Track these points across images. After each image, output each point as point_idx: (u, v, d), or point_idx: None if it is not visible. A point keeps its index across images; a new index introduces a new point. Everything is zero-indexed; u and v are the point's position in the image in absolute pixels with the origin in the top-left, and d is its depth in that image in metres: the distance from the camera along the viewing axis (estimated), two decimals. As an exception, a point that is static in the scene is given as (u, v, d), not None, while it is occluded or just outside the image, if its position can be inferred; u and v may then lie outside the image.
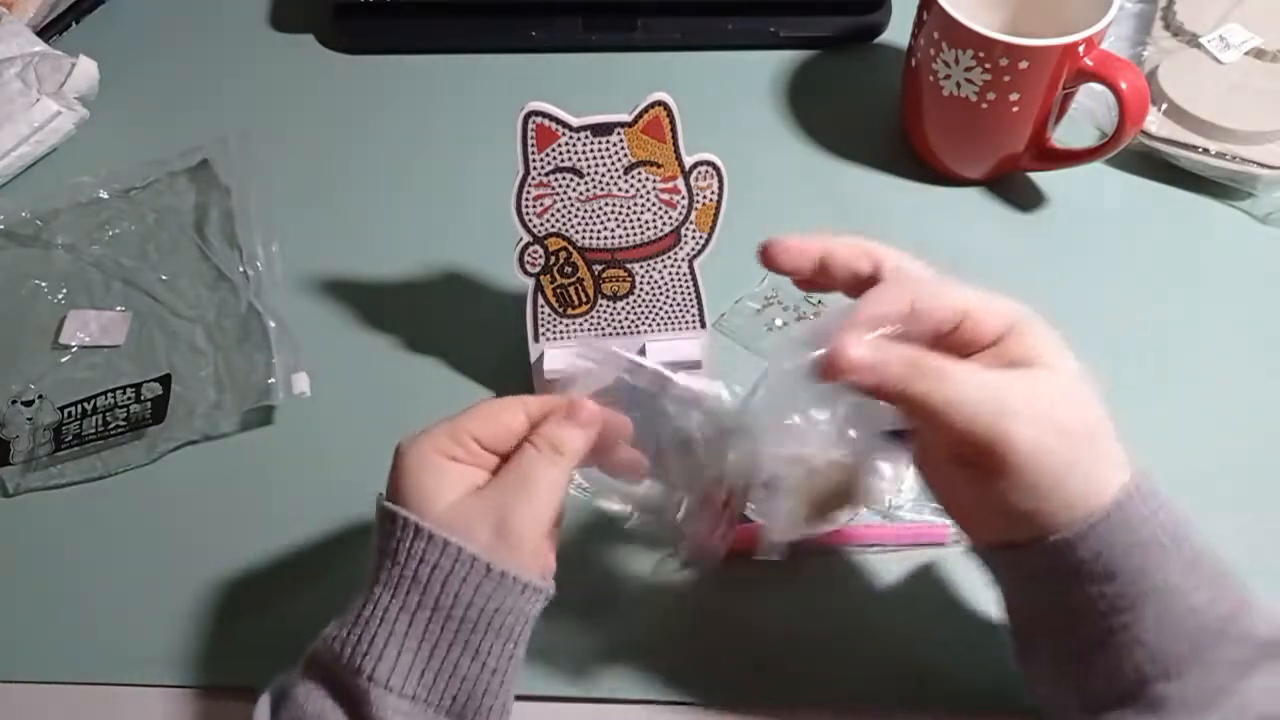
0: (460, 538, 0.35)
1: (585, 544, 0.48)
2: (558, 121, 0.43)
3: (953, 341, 0.34)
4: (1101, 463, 0.34)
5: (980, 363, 0.34)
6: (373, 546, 0.37)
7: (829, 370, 0.33)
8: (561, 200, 0.45)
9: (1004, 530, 0.35)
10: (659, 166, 0.44)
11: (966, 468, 0.34)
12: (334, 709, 0.35)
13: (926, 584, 0.46)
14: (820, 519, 0.40)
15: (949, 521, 0.46)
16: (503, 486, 0.37)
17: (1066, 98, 0.56)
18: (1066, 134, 0.60)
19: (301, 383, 0.51)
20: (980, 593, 0.46)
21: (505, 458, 0.38)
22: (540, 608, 0.38)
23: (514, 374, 0.52)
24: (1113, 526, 0.32)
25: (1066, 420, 0.33)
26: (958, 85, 0.55)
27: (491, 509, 0.36)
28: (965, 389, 0.33)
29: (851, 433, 0.37)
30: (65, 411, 0.52)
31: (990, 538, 0.36)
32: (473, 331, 0.54)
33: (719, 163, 0.45)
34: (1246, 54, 0.62)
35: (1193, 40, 0.63)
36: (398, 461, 0.38)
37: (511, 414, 0.38)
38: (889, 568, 0.47)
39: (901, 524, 0.47)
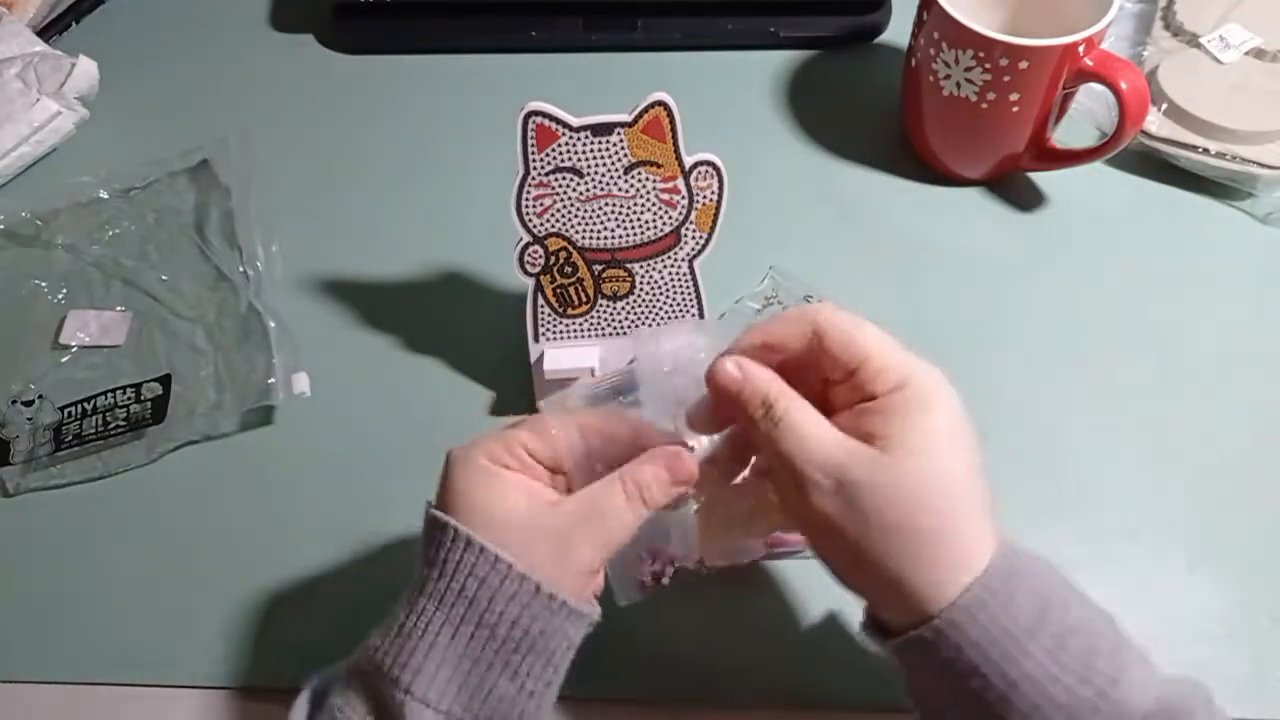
0: (515, 555, 0.34)
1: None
2: (558, 121, 0.43)
3: (850, 384, 0.34)
4: (947, 564, 0.32)
5: (858, 414, 0.34)
6: (418, 555, 0.36)
7: (707, 379, 0.36)
8: (561, 200, 0.45)
9: (881, 607, 0.34)
10: (659, 166, 0.44)
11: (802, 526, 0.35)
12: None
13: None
14: (729, 542, 0.40)
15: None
16: (576, 515, 0.36)
17: (1066, 98, 0.56)
18: (1066, 134, 0.60)
19: (301, 383, 0.51)
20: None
21: (555, 471, 0.37)
22: (584, 634, 0.37)
23: (514, 374, 0.52)
24: (967, 625, 0.31)
25: (909, 515, 0.32)
26: (958, 85, 0.55)
27: (559, 534, 0.35)
28: (811, 451, 0.33)
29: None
30: (65, 411, 0.52)
31: (873, 611, 0.36)
32: (473, 331, 0.54)
33: (719, 163, 0.45)
34: (1246, 54, 0.62)
35: (1193, 40, 0.63)
36: (447, 469, 0.37)
37: (565, 434, 0.37)
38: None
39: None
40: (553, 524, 0.35)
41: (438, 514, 0.36)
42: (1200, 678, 0.33)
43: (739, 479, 0.39)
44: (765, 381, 0.35)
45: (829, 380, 0.35)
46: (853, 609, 0.45)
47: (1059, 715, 0.31)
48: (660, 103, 0.43)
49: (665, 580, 0.41)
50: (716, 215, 0.46)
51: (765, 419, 0.34)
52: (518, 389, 0.52)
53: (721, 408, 0.36)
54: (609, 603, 0.46)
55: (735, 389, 0.35)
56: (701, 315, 0.50)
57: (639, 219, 0.46)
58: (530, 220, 0.46)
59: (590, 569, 0.36)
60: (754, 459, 0.39)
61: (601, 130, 0.43)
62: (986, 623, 0.32)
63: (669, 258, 0.48)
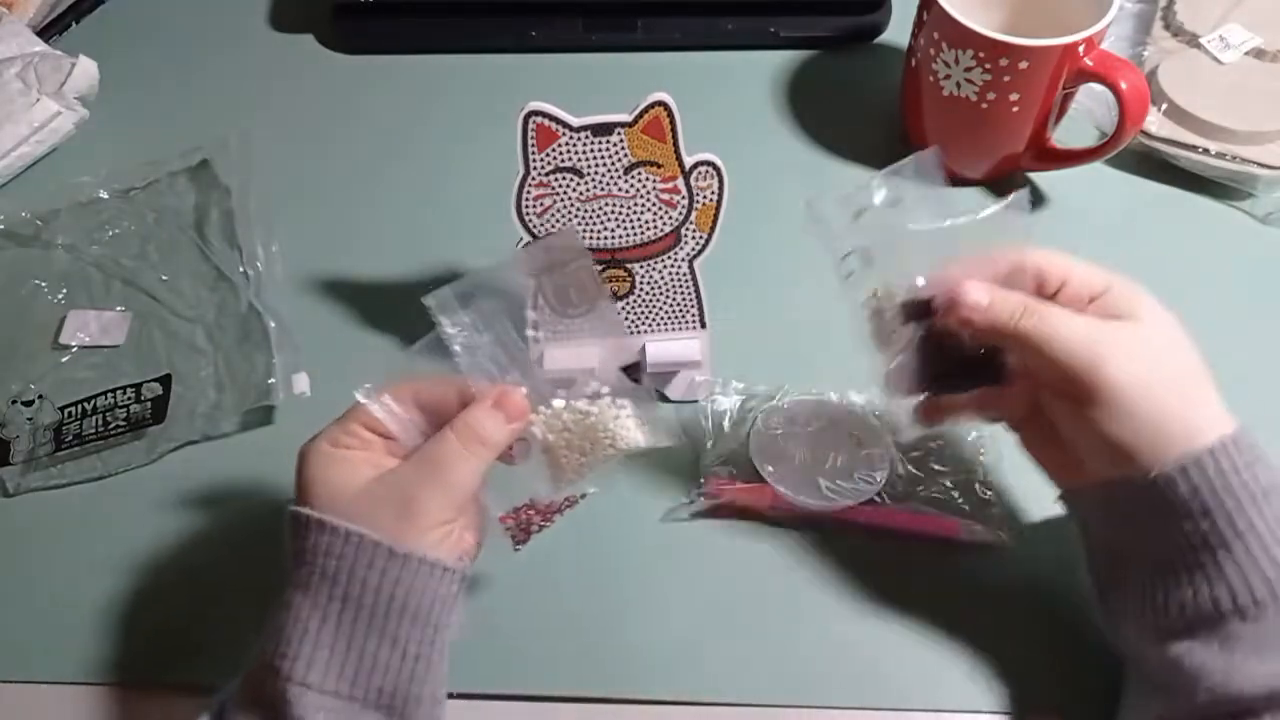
0: (363, 525, 0.35)
1: (584, 536, 0.48)
2: (558, 121, 0.43)
3: (1057, 300, 0.39)
4: (1200, 407, 0.37)
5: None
6: (286, 555, 0.37)
7: (950, 309, 0.38)
8: (562, 200, 0.45)
9: (1102, 468, 0.38)
10: (659, 166, 0.44)
11: (1066, 401, 0.38)
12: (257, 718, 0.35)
13: (936, 581, 0.46)
14: (575, 471, 0.41)
15: (958, 517, 0.47)
16: (412, 469, 0.37)
17: (1066, 98, 0.56)
18: (1066, 134, 0.60)
19: (302, 383, 0.51)
20: (987, 595, 0.46)
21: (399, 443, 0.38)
22: (457, 588, 0.37)
23: (514, 374, 0.52)
24: (1211, 469, 0.35)
25: (1162, 365, 0.37)
26: (958, 85, 0.55)
27: (397, 492, 0.36)
28: (1063, 326, 0.37)
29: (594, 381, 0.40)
30: (65, 411, 0.52)
31: (1087, 478, 0.39)
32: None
33: (719, 163, 0.45)
34: (1246, 54, 0.62)
35: (1193, 40, 0.63)
36: (299, 463, 0.38)
37: (398, 406, 0.38)
38: (891, 560, 0.47)
39: (914, 512, 0.47)
40: (393, 485, 0.36)
41: (292, 508, 0.37)
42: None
43: (568, 412, 0.40)
44: (1004, 292, 0.38)
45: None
46: (855, 608, 0.46)
47: (1267, 576, 0.35)
48: (660, 103, 0.43)
49: (530, 535, 0.42)
50: (716, 215, 0.46)
51: (1025, 315, 0.37)
52: (518, 389, 0.52)
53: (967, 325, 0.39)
54: (609, 604, 0.46)
55: (985, 305, 0.38)
56: (701, 316, 0.50)
57: (639, 219, 0.46)
58: (531, 220, 0.46)
59: (440, 520, 0.36)
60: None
61: (602, 130, 0.43)
62: (1234, 471, 0.35)
63: (669, 258, 0.48)
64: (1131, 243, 0.58)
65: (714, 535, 0.48)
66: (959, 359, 0.41)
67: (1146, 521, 0.37)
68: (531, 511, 0.42)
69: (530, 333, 0.45)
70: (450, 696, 0.39)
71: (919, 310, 0.40)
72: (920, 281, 0.40)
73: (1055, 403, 0.39)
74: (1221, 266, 0.57)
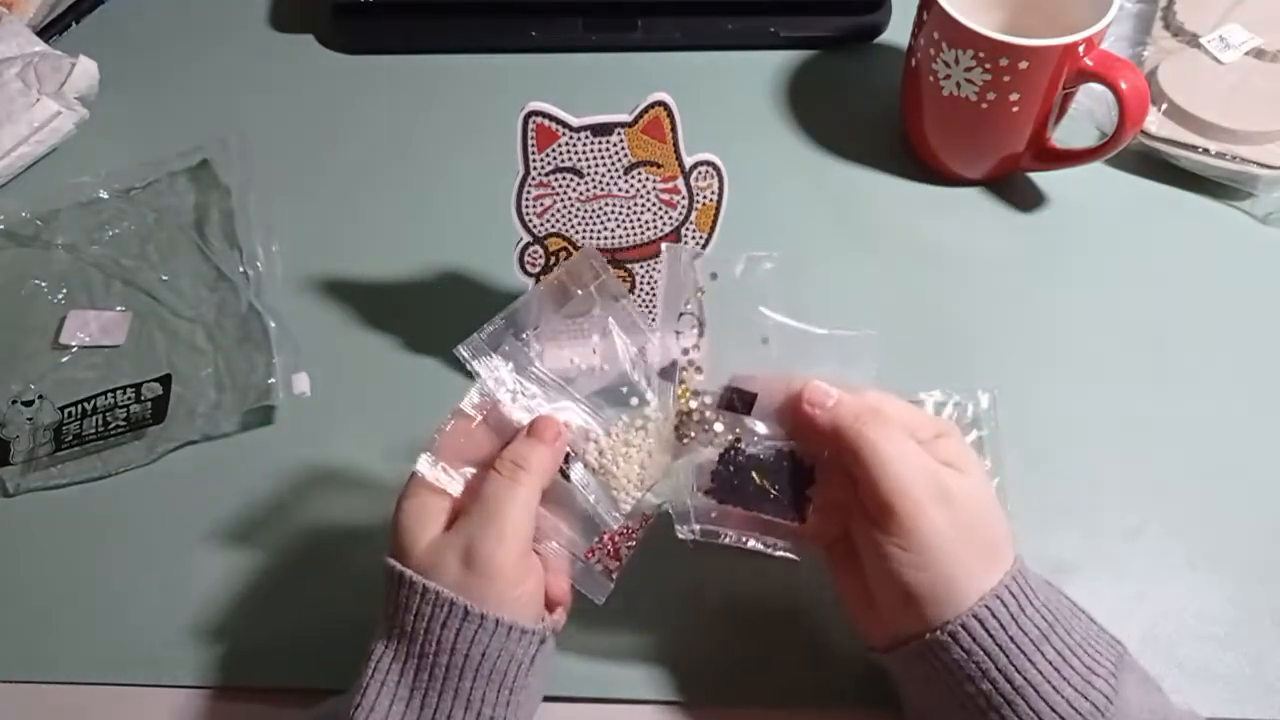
0: (434, 577, 0.36)
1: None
2: (558, 121, 0.43)
3: None
4: (989, 571, 0.35)
5: None
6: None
7: (787, 406, 0.38)
8: (562, 200, 0.45)
9: (890, 610, 0.36)
10: (659, 166, 0.44)
11: (872, 531, 0.36)
12: None
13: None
14: (634, 484, 0.40)
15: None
16: (468, 516, 0.37)
17: (1066, 98, 0.56)
18: (1066, 134, 0.60)
19: (302, 383, 0.51)
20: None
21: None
22: (535, 650, 0.37)
23: (514, 374, 0.52)
24: (980, 629, 0.34)
25: (975, 528, 0.36)
26: (958, 85, 0.55)
27: (459, 540, 0.36)
28: (905, 450, 0.36)
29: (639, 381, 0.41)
30: (65, 411, 0.52)
31: (884, 631, 0.37)
32: (473, 331, 0.54)
33: (719, 163, 0.45)
34: (1246, 54, 0.62)
35: (1193, 40, 0.63)
36: (394, 513, 0.38)
37: (481, 433, 0.39)
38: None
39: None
40: (456, 536, 0.36)
41: (385, 559, 0.37)
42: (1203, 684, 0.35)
43: (616, 430, 0.40)
44: (858, 397, 0.37)
45: None
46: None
47: None
48: (660, 103, 0.43)
49: (622, 558, 0.41)
50: (716, 215, 0.46)
51: (874, 423, 0.36)
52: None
53: (801, 431, 0.38)
54: (609, 605, 0.46)
55: (831, 401, 0.37)
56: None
57: (639, 219, 0.46)
58: (530, 220, 0.46)
59: (505, 568, 0.36)
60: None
61: (601, 130, 0.43)
62: (1004, 625, 0.34)
63: (669, 258, 0.48)
64: (1131, 243, 0.58)
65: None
66: (763, 473, 0.39)
67: (941, 685, 0.36)
68: (613, 537, 0.41)
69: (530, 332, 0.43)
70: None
71: (738, 404, 0.39)
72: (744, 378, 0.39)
73: (862, 530, 0.37)
74: (1221, 266, 0.57)
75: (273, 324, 0.54)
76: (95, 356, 0.54)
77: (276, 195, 0.60)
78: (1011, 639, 0.34)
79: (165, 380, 0.53)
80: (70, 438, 0.51)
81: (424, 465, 0.38)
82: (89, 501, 0.50)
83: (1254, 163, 0.58)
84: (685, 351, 0.40)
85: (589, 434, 0.40)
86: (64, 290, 0.57)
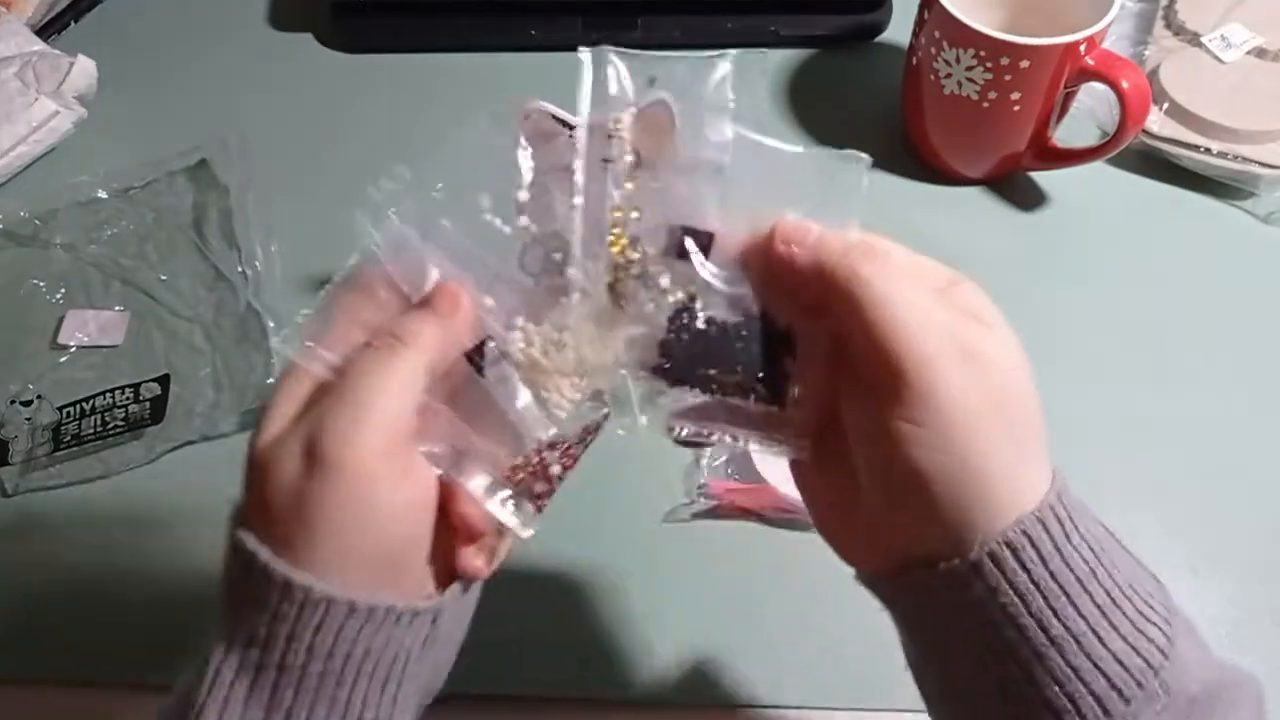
0: (267, 480, 0.27)
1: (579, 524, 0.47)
2: (557, 120, 0.43)
3: None
4: (1023, 463, 0.27)
5: None
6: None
7: (758, 245, 0.29)
8: (561, 200, 0.45)
9: (894, 528, 0.28)
10: (659, 166, 0.44)
11: (872, 401, 0.27)
12: None
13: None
14: (573, 389, 0.31)
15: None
16: (321, 401, 0.28)
17: (1068, 97, 0.56)
18: (1068, 133, 0.60)
19: (301, 383, 0.51)
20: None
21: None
22: (426, 632, 0.29)
23: (513, 374, 0.52)
24: (1013, 560, 0.26)
25: (1007, 397, 0.27)
26: (959, 84, 0.55)
27: (303, 427, 0.27)
28: (911, 291, 0.27)
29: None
30: (64, 412, 0.52)
31: (879, 545, 0.29)
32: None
33: (719, 162, 0.45)
34: (1248, 53, 0.62)
35: (1194, 39, 0.63)
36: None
37: (343, 341, 0.29)
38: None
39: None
40: (297, 427, 0.28)
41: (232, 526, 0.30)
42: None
43: (547, 311, 0.31)
44: (846, 238, 0.28)
45: None
46: (855, 609, 0.45)
47: (1097, 685, 0.26)
48: (660, 101, 0.42)
49: (555, 481, 0.31)
50: (717, 215, 0.46)
51: (867, 258, 0.27)
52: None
53: (775, 276, 0.29)
54: (609, 605, 0.46)
55: (813, 235, 0.28)
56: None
57: (639, 219, 0.46)
58: (530, 220, 0.46)
59: (362, 463, 0.27)
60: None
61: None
62: (1038, 561, 0.26)
63: (669, 257, 0.48)
64: (1133, 242, 0.58)
65: (714, 535, 0.48)
66: (727, 341, 0.30)
67: (947, 622, 0.28)
68: (541, 455, 0.31)
69: (522, 222, 0.31)
70: (447, 698, 0.38)
71: (690, 248, 0.29)
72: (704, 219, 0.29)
73: (855, 407, 0.28)
74: (1223, 266, 0.57)
75: (271, 324, 0.54)
76: (94, 356, 0.54)
77: (275, 194, 0.60)
78: (1053, 575, 0.26)
79: (164, 380, 0.53)
80: (69, 438, 0.51)
81: (289, 337, 0.30)
82: (87, 501, 0.50)
83: (1255, 162, 0.58)
84: (619, 187, 0.30)
85: (514, 317, 0.31)
86: (62, 290, 0.57)
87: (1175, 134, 0.59)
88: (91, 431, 0.51)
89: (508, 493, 0.30)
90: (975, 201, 0.60)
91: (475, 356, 0.30)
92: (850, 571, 0.45)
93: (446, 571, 0.30)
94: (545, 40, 0.68)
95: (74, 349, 0.54)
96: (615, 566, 0.47)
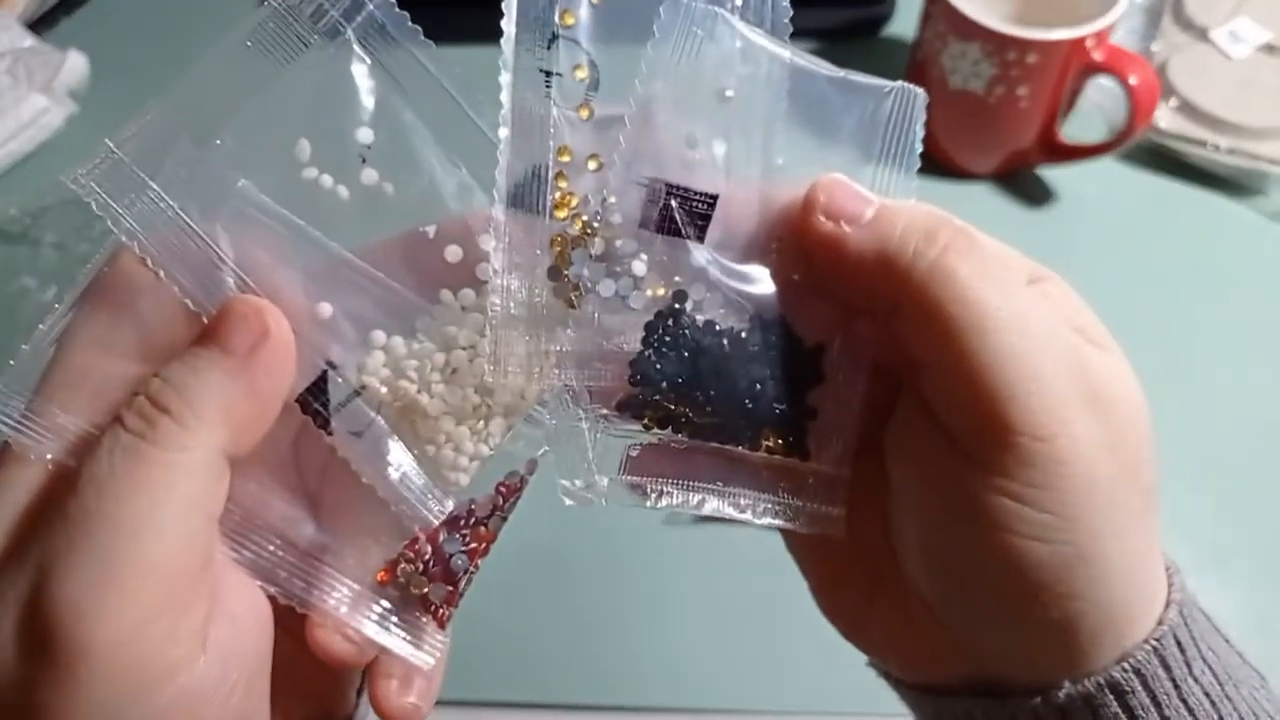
0: None
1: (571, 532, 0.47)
2: (559, 115, 0.42)
3: None
4: (1155, 549, 0.21)
5: None
6: None
7: (814, 216, 0.20)
8: (563, 196, 0.44)
9: (968, 639, 0.21)
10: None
11: (956, 461, 0.19)
12: None
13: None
14: (475, 430, 0.21)
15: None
16: (39, 537, 0.17)
17: (1075, 92, 0.56)
18: (1075, 129, 0.59)
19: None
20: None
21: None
22: None
23: (514, 374, 0.51)
24: (1145, 686, 0.20)
25: (1141, 455, 0.20)
26: (965, 79, 0.54)
27: (14, 595, 0.17)
28: (1030, 307, 0.19)
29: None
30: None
31: (939, 658, 0.22)
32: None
33: (724, 157, 0.44)
34: (1257, 49, 0.61)
35: (1203, 35, 0.62)
36: None
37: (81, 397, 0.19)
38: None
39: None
40: (12, 576, 0.17)
41: None
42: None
43: (425, 323, 0.20)
44: (917, 205, 0.21)
45: None
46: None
47: None
48: (664, 96, 0.41)
49: (458, 580, 0.21)
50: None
51: (947, 252, 0.20)
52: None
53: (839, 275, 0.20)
54: (611, 608, 0.45)
55: (869, 211, 0.20)
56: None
57: (642, 215, 0.45)
58: (530, 216, 0.45)
59: (120, 635, 0.16)
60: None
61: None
62: (1168, 688, 0.20)
63: (672, 255, 0.47)
64: (1141, 239, 0.58)
65: (716, 537, 0.47)
66: (730, 359, 0.20)
67: None
68: (435, 544, 0.21)
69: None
70: (449, 704, 0.38)
71: (679, 217, 0.20)
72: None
73: (920, 468, 0.20)
74: (1231, 263, 0.57)
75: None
76: (85, 356, 0.53)
77: (270, 191, 0.59)
78: (1184, 700, 0.20)
79: (157, 380, 0.52)
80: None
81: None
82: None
83: (1264, 159, 0.57)
84: (568, 119, 0.20)
85: (370, 331, 0.20)
86: (53, 288, 0.56)
87: (1184, 130, 0.59)
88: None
89: (385, 605, 0.20)
90: (982, 197, 0.60)
91: (313, 400, 0.19)
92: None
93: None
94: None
95: (65, 349, 0.53)
96: (616, 568, 0.46)
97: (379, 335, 0.20)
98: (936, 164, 0.60)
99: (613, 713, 0.43)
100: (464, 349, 0.20)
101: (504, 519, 0.22)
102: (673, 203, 0.19)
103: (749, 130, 0.20)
